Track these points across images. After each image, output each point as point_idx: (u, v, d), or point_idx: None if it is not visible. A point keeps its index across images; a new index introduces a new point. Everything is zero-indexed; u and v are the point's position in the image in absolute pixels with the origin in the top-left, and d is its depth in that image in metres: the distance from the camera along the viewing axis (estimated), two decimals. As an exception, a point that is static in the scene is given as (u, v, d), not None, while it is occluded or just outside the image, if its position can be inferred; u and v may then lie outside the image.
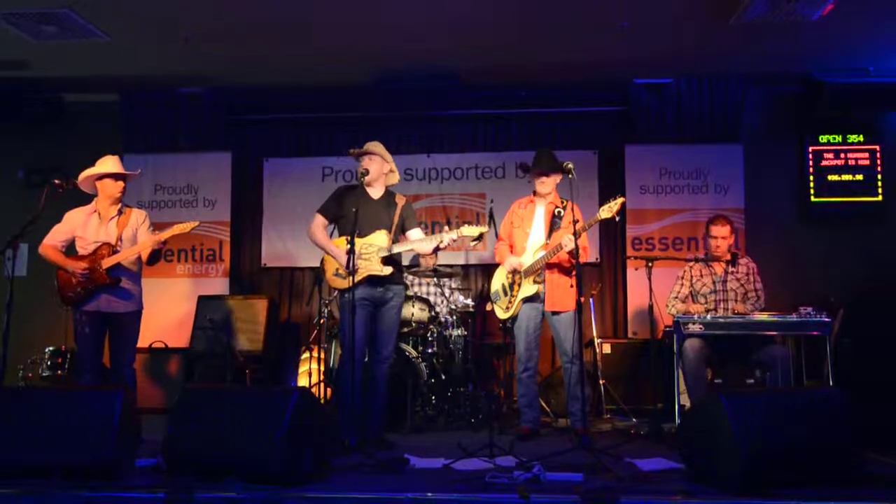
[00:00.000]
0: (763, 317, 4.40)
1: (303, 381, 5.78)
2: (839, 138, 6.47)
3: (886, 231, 6.34)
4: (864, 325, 5.55)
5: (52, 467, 3.08)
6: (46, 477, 3.04)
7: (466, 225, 4.30)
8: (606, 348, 5.95)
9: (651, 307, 4.78)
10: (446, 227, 6.47)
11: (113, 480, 3.09)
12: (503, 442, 3.97)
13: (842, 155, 6.47)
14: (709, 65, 6.24)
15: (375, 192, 4.50)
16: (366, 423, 4.23)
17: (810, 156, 6.49)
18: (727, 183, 6.47)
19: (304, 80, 6.49)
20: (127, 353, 4.54)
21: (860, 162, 6.44)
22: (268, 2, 5.02)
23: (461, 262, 6.64)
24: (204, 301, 6.31)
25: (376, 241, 4.33)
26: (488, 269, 6.38)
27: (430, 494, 2.90)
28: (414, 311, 5.41)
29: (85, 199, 4.71)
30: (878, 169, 6.40)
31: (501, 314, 4.75)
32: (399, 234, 4.49)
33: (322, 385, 5.52)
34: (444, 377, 5.42)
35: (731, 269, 4.81)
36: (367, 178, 4.43)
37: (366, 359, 4.43)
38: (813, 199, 6.47)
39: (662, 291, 4.95)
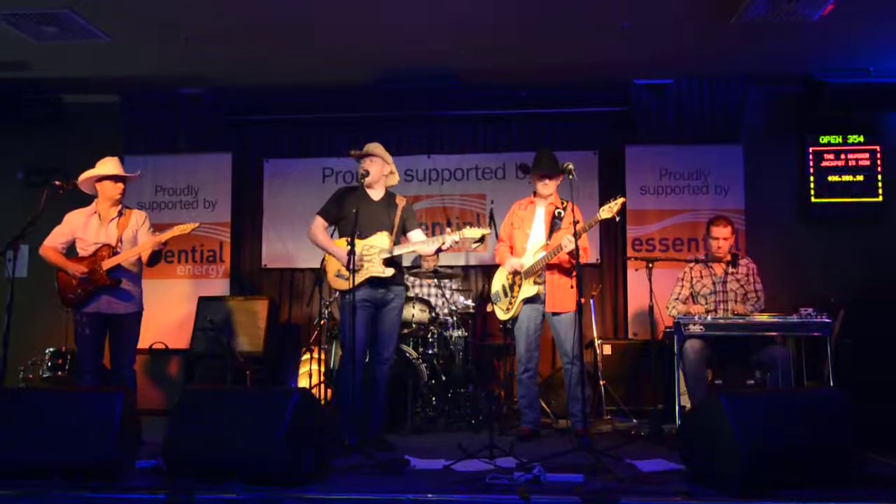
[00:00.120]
0: (763, 318, 4.40)
1: (303, 382, 5.79)
2: (839, 139, 6.47)
3: (887, 231, 6.34)
4: (865, 326, 5.54)
5: (52, 468, 3.09)
6: (47, 478, 3.04)
7: (468, 226, 4.31)
8: (607, 349, 5.95)
9: (651, 308, 4.78)
10: (448, 229, 6.45)
11: (113, 481, 3.09)
12: (503, 443, 3.97)
13: (842, 155, 6.46)
14: (709, 65, 6.24)
15: (376, 194, 4.50)
16: (366, 424, 4.23)
17: (810, 156, 6.49)
18: (727, 183, 6.47)
19: (304, 80, 6.49)
20: (127, 354, 4.54)
21: (860, 162, 6.44)
22: (268, 2, 5.03)
23: (461, 263, 6.63)
24: (204, 302, 6.31)
25: (377, 243, 4.33)
26: (489, 271, 6.38)
27: (430, 495, 2.90)
28: (414, 313, 5.41)
29: (85, 200, 4.71)
30: (879, 169, 6.40)
31: (502, 315, 4.75)
32: (400, 235, 4.49)
33: (322, 386, 5.52)
34: (444, 378, 5.42)
35: (731, 269, 4.80)
36: (367, 179, 4.43)
37: (366, 360, 4.43)
38: (813, 199, 6.46)
39: (663, 292, 4.95)
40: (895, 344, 5.32)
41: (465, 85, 6.50)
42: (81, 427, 3.18)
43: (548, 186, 4.66)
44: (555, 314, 4.58)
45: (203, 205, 6.81)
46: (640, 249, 6.44)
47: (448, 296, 5.87)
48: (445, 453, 3.77)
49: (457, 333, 5.60)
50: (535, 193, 4.78)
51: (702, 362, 4.52)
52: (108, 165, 4.60)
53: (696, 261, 4.98)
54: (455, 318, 5.66)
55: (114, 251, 4.48)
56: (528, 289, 4.57)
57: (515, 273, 4.64)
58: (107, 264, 4.42)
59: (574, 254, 4.11)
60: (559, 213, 4.61)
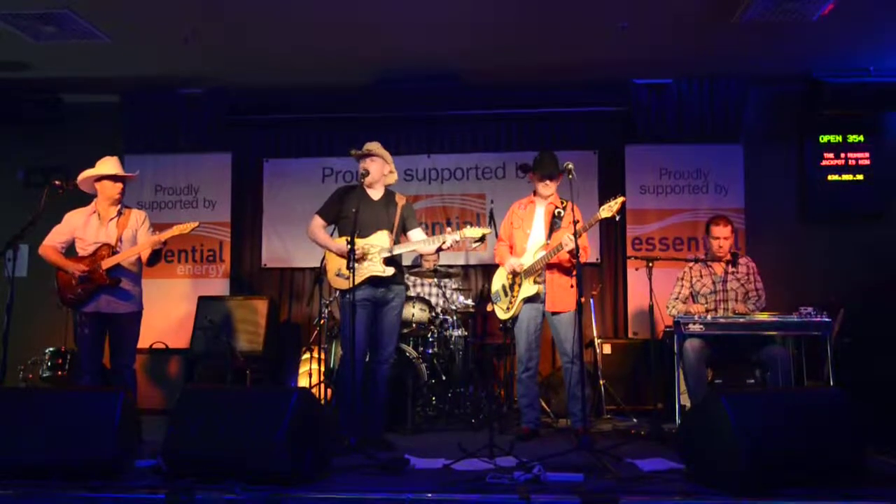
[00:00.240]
0: (763, 317, 4.40)
1: (303, 382, 5.78)
2: (839, 138, 6.47)
3: (886, 230, 6.34)
4: (865, 325, 5.54)
5: (52, 468, 3.09)
6: (46, 478, 3.05)
7: (469, 226, 4.31)
8: (607, 348, 5.95)
9: (651, 307, 4.78)
10: (448, 229, 6.47)
11: (113, 481, 3.09)
12: (503, 442, 3.96)
13: (842, 155, 6.47)
14: (709, 65, 6.24)
15: (375, 193, 4.50)
16: (366, 424, 4.23)
17: (810, 156, 6.49)
18: (727, 183, 6.47)
19: (304, 80, 6.49)
20: (127, 353, 4.53)
21: (860, 162, 6.45)
22: (268, 2, 5.03)
23: (461, 262, 6.63)
24: (204, 302, 6.30)
25: (378, 242, 4.33)
26: (489, 270, 6.38)
27: (430, 495, 2.90)
28: (414, 312, 5.41)
29: (85, 199, 4.71)
30: (879, 169, 6.39)
31: (502, 315, 4.75)
32: (400, 234, 4.49)
33: (322, 386, 5.52)
34: (444, 378, 5.42)
35: (731, 269, 4.80)
36: (367, 179, 4.43)
37: (366, 359, 4.42)
38: (813, 199, 6.47)
39: (663, 291, 4.96)
40: (895, 343, 5.31)
41: (464, 85, 6.50)
42: (81, 427, 3.19)
43: (548, 187, 4.67)
44: (555, 313, 4.58)
45: (203, 204, 6.82)
46: (640, 249, 6.45)
47: (448, 295, 5.87)
48: (445, 453, 3.77)
49: (457, 333, 5.60)
50: (534, 193, 4.78)
51: (702, 362, 4.52)
52: (108, 165, 4.60)
53: (696, 260, 4.98)
54: (455, 318, 5.66)
55: (113, 251, 4.48)
56: (529, 288, 4.57)
57: (515, 273, 4.64)
58: (106, 264, 4.43)
59: (574, 253, 4.11)
60: (559, 212, 4.61)
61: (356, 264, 4.11)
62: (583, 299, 4.31)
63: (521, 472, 3.15)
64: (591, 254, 5.41)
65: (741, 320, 4.40)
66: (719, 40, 5.67)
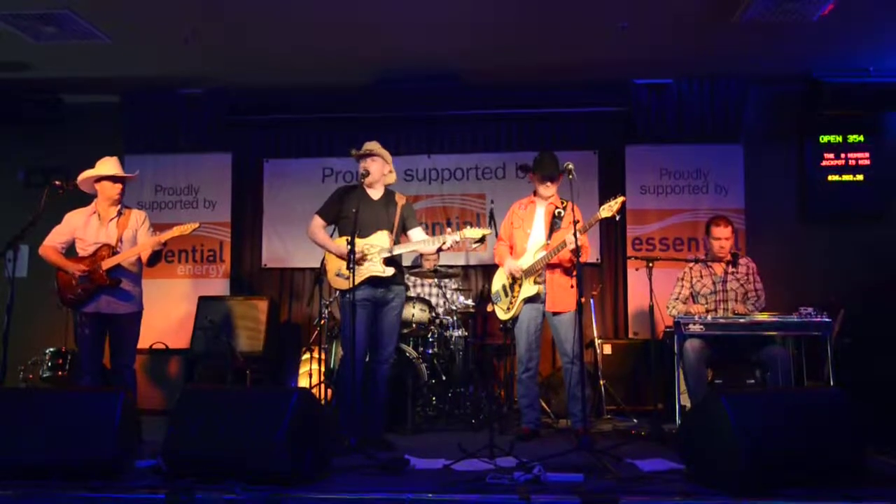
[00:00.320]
0: (763, 317, 4.40)
1: (303, 382, 5.79)
2: (839, 138, 6.47)
3: (886, 231, 6.34)
4: (865, 325, 5.54)
5: (52, 468, 3.09)
6: (47, 478, 3.05)
7: (469, 226, 4.31)
8: (607, 349, 5.95)
9: (651, 308, 4.78)
10: (448, 229, 6.47)
11: (113, 481, 3.09)
12: (504, 443, 3.96)
13: (842, 155, 6.47)
14: (709, 65, 6.24)
15: (375, 193, 4.50)
16: (366, 424, 4.23)
17: (810, 156, 6.49)
18: (727, 183, 6.48)
19: (304, 80, 6.49)
20: (127, 354, 4.54)
21: (860, 162, 6.45)
22: (268, 2, 5.03)
23: (461, 262, 6.63)
24: (204, 302, 6.30)
25: (377, 242, 4.32)
26: (489, 270, 6.38)
27: (430, 495, 2.90)
28: (414, 312, 5.40)
29: (85, 200, 4.72)
30: (879, 169, 6.39)
31: (502, 315, 4.75)
32: (400, 234, 4.49)
33: (322, 386, 5.52)
34: (444, 378, 5.42)
35: (731, 269, 4.80)
36: (368, 179, 4.43)
37: (367, 359, 4.42)
38: (813, 199, 6.47)
39: (663, 292, 4.96)
40: (895, 343, 5.31)
41: (465, 85, 6.50)
42: (81, 427, 3.19)
43: (549, 188, 4.67)
44: (555, 314, 4.58)
45: (203, 205, 6.82)
46: (641, 249, 6.45)
47: (448, 295, 5.87)
48: (445, 453, 3.77)
49: (457, 333, 5.60)
50: (534, 193, 4.78)
51: (702, 362, 4.52)
52: (107, 165, 4.60)
53: (697, 260, 4.97)
54: (455, 318, 5.66)
55: (113, 251, 4.48)
56: (529, 288, 4.57)
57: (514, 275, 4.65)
58: (106, 264, 4.42)
59: (576, 252, 4.10)
60: (559, 212, 4.61)
61: (356, 265, 4.11)
62: (583, 299, 4.30)
63: (521, 473, 3.15)
64: (591, 254, 5.41)
65: (741, 320, 4.40)
66: (719, 40, 5.67)
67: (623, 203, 4.30)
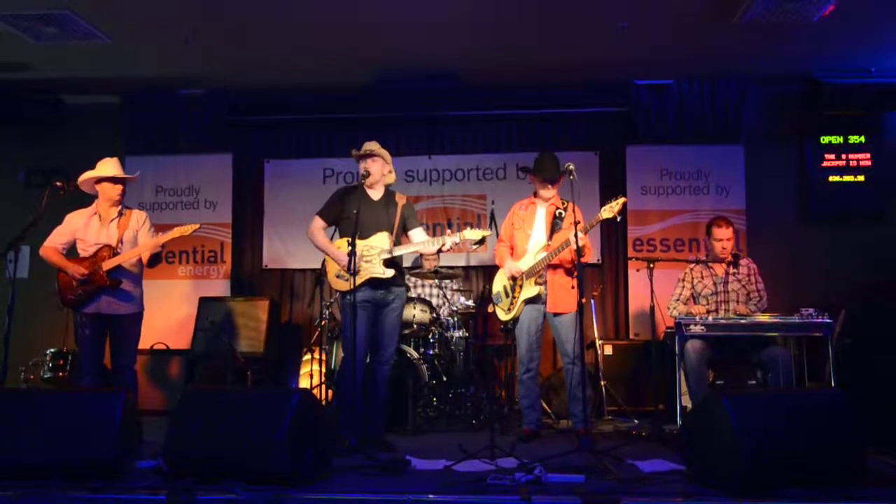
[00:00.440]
0: (764, 318, 4.40)
1: (304, 383, 5.78)
2: (840, 139, 6.47)
3: (887, 231, 6.33)
4: (866, 326, 5.54)
5: (52, 468, 3.10)
6: (47, 478, 3.05)
7: (469, 228, 4.32)
8: (608, 349, 5.95)
9: (652, 308, 4.78)
10: (448, 230, 6.46)
11: (114, 482, 3.10)
12: (504, 443, 3.96)
13: (843, 155, 6.46)
14: (709, 65, 6.24)
15: (375, 193, 4.49)
16: (367, 424, 4.23)
17: (811, 156, 6.49)
18: (728, 184, 6.47)
19: (304, 81, 6.49)
20: (128, 354, 4.54)
21: (861, 163, 6.44)
22: (268, 2, 5.03)
23: (462, 263, 6.63)
24: (205, 303, 6.31)
25: (377, 243, 4.32)
26: (489, 271, 6.38)
27: (430, 496, 2.90)
28: (415, 313, 5.40)
29: (86, 200, 4.72)
30: (880, 169, 6.39)
31: (503, 316, 4.75)
32: (401, 234, 4.49)
33: (323, 387, 5.52)
34: (445, 378, 5.42)
35: (732, 270, 4.80)
36: (369, 179, 4.42)
37: (367, 360, 4.42)
38: (814, 199, 6.46)
39: (664, 293, 4.95)
40: (896, 344, 5.32)
41: (465, 85, 6.50)
42: (82, 427, 3.19)
43: (549, 190, 4.67)
44: (556, 314, 4.58)
45: (204, 205, 6.82)
46: (641, 250, 6.44)
47: (449, 296, 5.87)
48: (446, 454, 3.77)
49: (458, 334, 5.60)
50: (535, 194, 4.78)
51: (703, 363, 4.51)
52: (108, 167, 4.60)
53: (697, 261, 4.97)
54: (456, 319, 5.66)
55: (114, 252, 4.48)
56: (530, 289, 4.57)
57: (515, 277, 4.65)
58: (107, 265, 4.43)
59: (578, 252, 4.10)
60: (560, 213, 4.61)
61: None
62: (584, 300, 4.30)
63: (522, 473, 3.14)
64: (592, 255, 5.40)
65: (742, 321, 4.40)
66: (720, 41, 5.66)
67: (624, 204, 4.30)
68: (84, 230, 4.56)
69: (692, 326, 4.41)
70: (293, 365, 6.31)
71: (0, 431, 3.23)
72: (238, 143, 6.94)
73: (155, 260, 4.58)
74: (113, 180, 4.57)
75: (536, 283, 4.57)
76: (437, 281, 5.86)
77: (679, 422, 4.46)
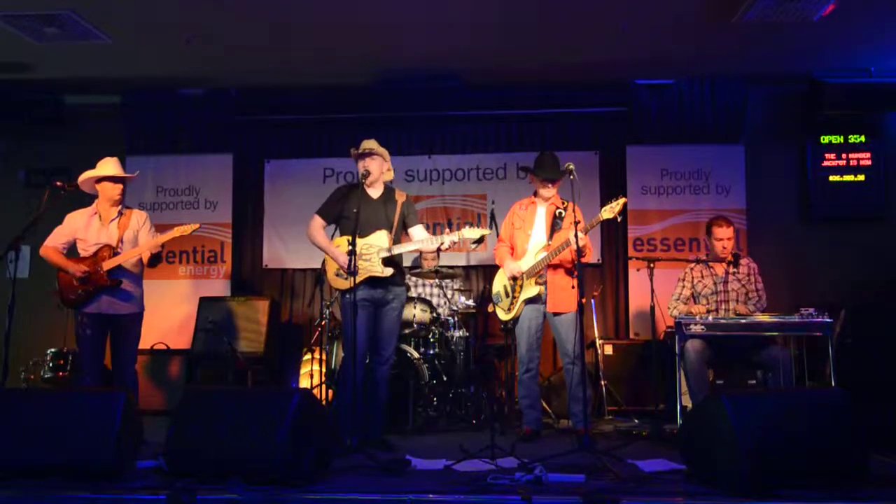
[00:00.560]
0: (765, 318, 4.40)
1: (304, 383, 5.79)
2: (840, 139, 6.47)
3: (888, 231, 6.34)
4: (866, 326, 5.53)
5: (53, 469, 3.10)
6: (47, 478, 3.05)
7: (468, 227, 4.30)
8: (608, 349, 5.94)
9: (653, 308, 4.78)
10: (447, 230, 6.46)
11: (114, 482, 3.09)
12: (505, 443, 3.95)
13: (843, 155, 6.46)
14: (710, 65, 6.24)
15: (375, 192, 4.48)
16: (367, 424, 4.23)
17: (812, 156, 6.49)
18: (729, 183, 6.47)
19: (305, 81, 6.50)
20: (128, 354, 4.54)
21: (862, 162, 6.44)
22: (268, 3, 5.03)
23: (462, 263, 6.63)
24: (205, 302, 6.31)
25: (376, 242, 4.32)
26: (490, 271, 6.38)
27: (431, 496, 2.90)
28: (415, 313, 5.40)
29: (86, 200, 4.72)
30: (880, 169, 6.39)
31: (503, 315, 4.75)
32: (400, 232, 4.48)
33: (324, 387, 5.52)
34: (445, 378, 5.41)
35: (732, 269, 4.80)
36: (369, 178, 4.41)
37: (367, 360, 4.42)
38: (814, 199, 6.46)
39: (664, 292, 4.95)
40: (896, 344, 5.32)
41: (465, 85, 6.50)
42: (83, 427, 3.19)
43: (549, 190, 4.67)
44: (556, 314, 4.58)
45: (204, 205, 6.82)
46: (642, 249, 6.44)
47: (449, 296, 5.86)
48: (446, 453, 3.76)
49: (458, 334, 5.60)
50: (535, 194, 4.78)
51: (703, 362, 4.52)
52: (108, 166, 4.60)
53: (698, 261, 4.97)
54: (456, 319, 5.66)
55: (114, 252, 4.48)
56: (530, 289, 4.57)
57: (515, 277, 4.65)
58: (107, 265, 4.43)
59: (579, 251, 4.09)
60: (560, 213, 4.61)
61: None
62: (584, 300, 4.30)
63: (522, 473, 3.14)
64: (592, 255, 5.40)
65: (742, 321, 4.40)
66: (720, 41, 5.66)
67: (624, 204, 4.30)
68: (84, 230, 4.56)
69: (692, 326, 4.41)
70: (293, 365, 6.31)
71: (0, 431, 3.23)
72: (238, 143, 6.94)
73: (155, 260, 4.58)
74: (113, 180, 4.57)
75: (536, 283, 4.57)
76: (437, 280, 5.85)
77: (679, 421, 4.45)
